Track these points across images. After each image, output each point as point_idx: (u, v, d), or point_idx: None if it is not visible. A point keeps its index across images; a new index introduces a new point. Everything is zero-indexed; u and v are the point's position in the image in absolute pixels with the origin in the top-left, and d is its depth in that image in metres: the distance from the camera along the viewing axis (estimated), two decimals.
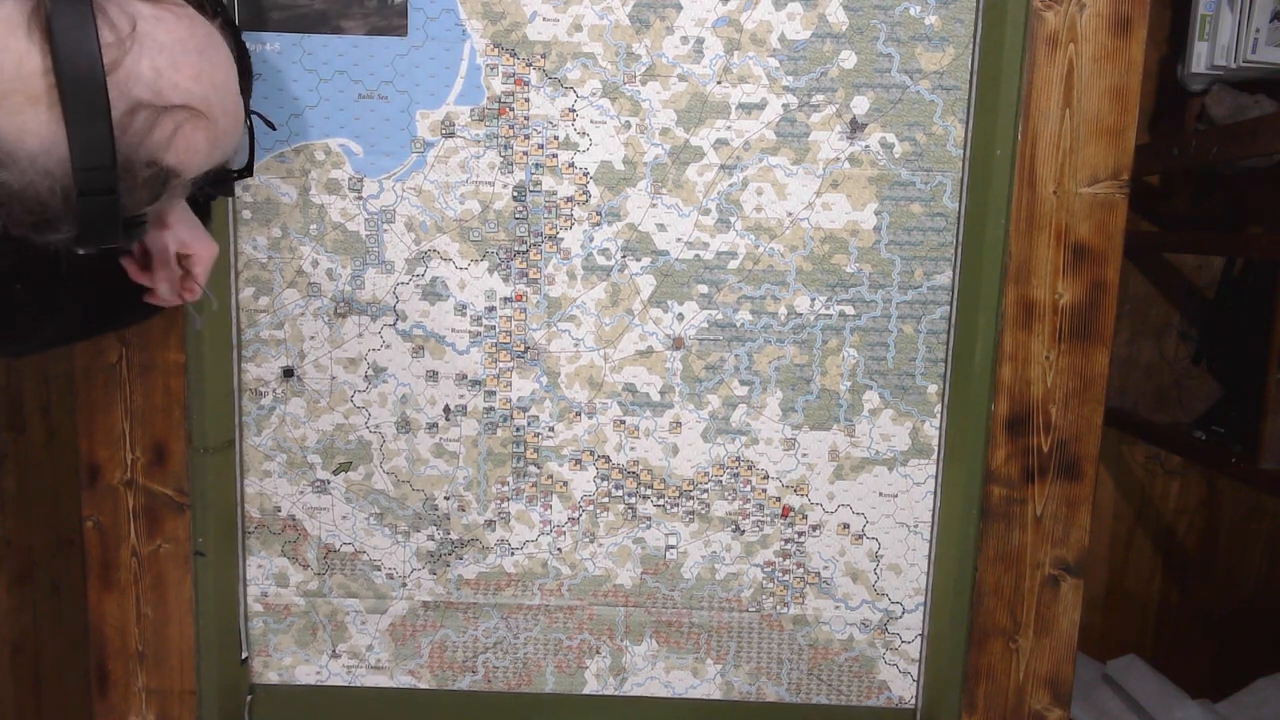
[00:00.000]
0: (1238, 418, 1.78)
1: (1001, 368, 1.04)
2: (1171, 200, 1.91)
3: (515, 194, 1.05)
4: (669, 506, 1.11)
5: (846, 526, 1.11)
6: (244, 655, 1.14)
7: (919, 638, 1.14)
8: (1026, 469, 1.06)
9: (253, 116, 0.79)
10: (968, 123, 1.03)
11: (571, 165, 1.04)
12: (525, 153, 1.04)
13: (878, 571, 1.12)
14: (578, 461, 1.11)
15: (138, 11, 0.60)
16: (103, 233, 0.62)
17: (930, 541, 1.11)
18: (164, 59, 0.60)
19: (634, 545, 1.12)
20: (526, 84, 1.03)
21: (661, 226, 1.05)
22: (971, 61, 1.02)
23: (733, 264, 1.06)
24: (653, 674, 1.15)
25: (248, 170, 0.76)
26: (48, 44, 0.56)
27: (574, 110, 1.03)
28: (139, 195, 0.62)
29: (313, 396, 1.09)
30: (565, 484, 1.11)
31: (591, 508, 1.12)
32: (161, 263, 0.84)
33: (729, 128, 1.03)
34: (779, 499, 1.11)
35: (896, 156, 1.04)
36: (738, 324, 1.07)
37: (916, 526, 1.11)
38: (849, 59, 1.02)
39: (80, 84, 0.56)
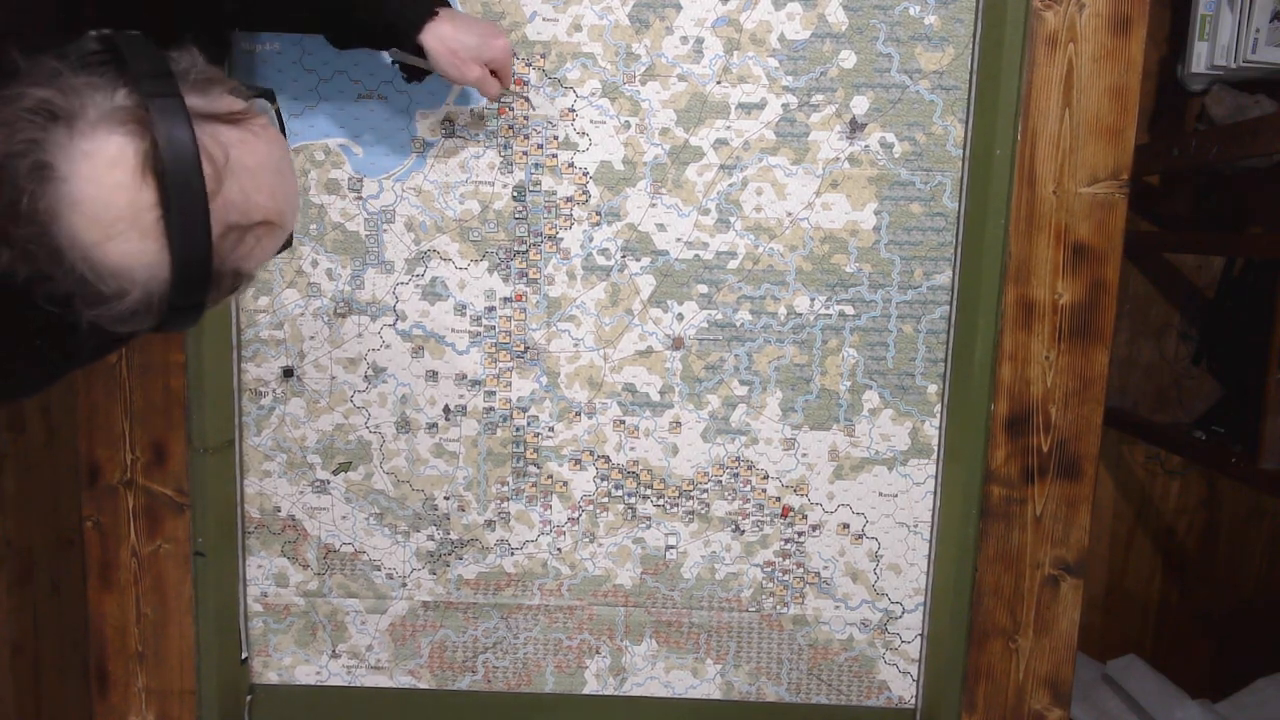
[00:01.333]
0: (1238, 418, 1.78)
1: (1001, 367, 1.04)
2: (1171, 200, 1.91)
3: (515, 194, 1.05)
4: (669, 506, 1.11)
5: (846, 526, 1.11)
6: (244, 655, 1.14)
7: (919, 638, 1.14)
8: (1026, 469, 1.06)
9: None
10: (967, 122, 1.03)
11: (571, 165, 1.04)
12: (525, 153, 1.04)
13: (877, 571, 1.12)
14: (577, 461, 1.11)
15: (228, 140, 0.63)
16: (180, 328, 0.67)
17: (930, 541, 1.11)
18: (250, 182, 0.64)
19: (634, 545, 1.12)
20: (526, 84, 1.03)
21: (661, 226, 1.05)
22: (971, 61, 1.02)
23: (732, 264, 1.06)
24: (652, 674, 1.15)
25: (288, 243, 0.79)
26: (159, 183, 0.59)
27: (574, 110, 1.03)
28: (220, 297, 0.67)
29: (312, 396, 1.09)
30: (565, 484, 1.11)
31: (591, 508, 1.12)
32: (474, 75, 0.91)
33: (728, 128, 1.03)
34: (779, 499, 1.11)
35: (896, 156, 1.04)
36: (737, 324, 1.07)
37: (916, 526, 1.11)
38: (849, 59, 1.02)
39: (187, 221, 0.60)
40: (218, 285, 0.65)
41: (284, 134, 0.78)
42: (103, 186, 0.58)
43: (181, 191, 0.59)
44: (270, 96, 0.80)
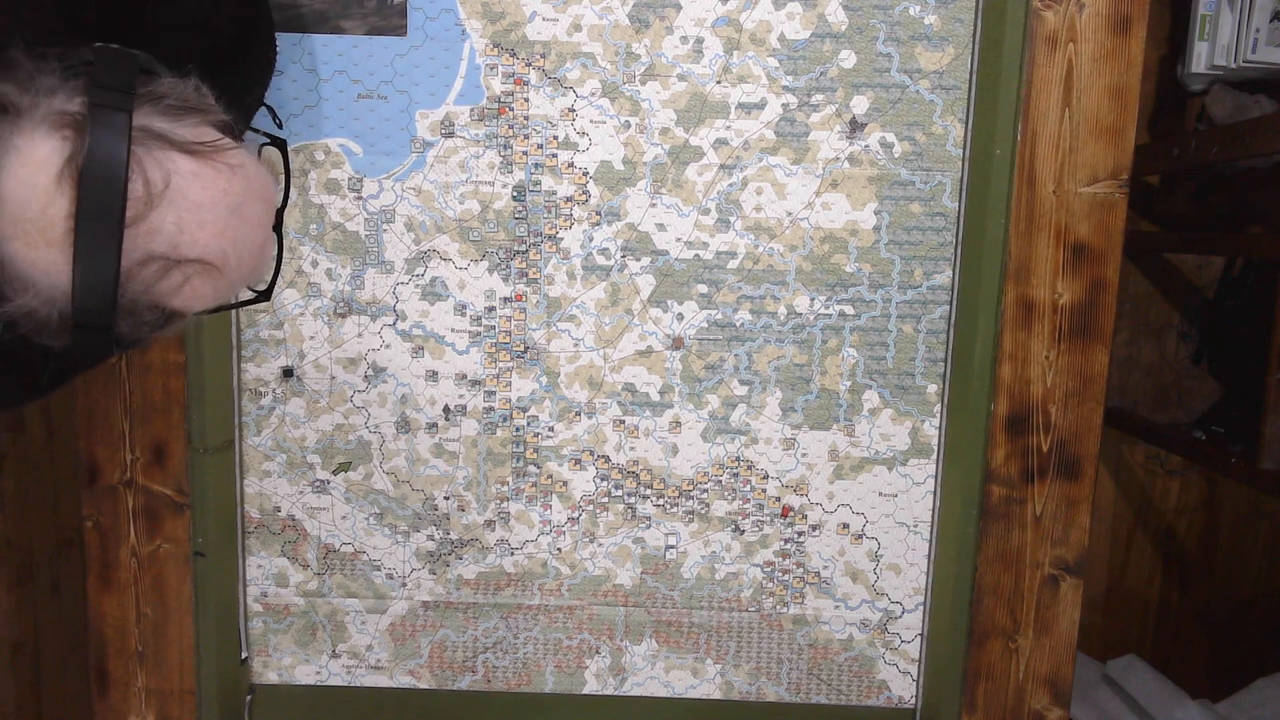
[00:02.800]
0: (1238, 418, 1.78)
1: (1001, 367, 1.04)
2: (1171, 200, 1.91)
3: (515, 194, 1.05)
4: (669, 506, 1.11)
5: (846, 526, 1.11)
6: (244, 655, 1.14)
7: (919, 637, 1.14)
8: (1026, 469, 1.06)
9: (269, 142, 0.79)
10: (967, 122, 1.03)
11: (571, 165, 1.04)
12: (525, 152, 1.04)
13: (877, 571, 1.12)
14: (577, 461, 1.11)
15: (176, 168, 0.60)
16: (95, 355, 0.65)
17: (930, 541, 1.11)
18: (190, 216, 0.61)
19: (634, 545, 1.12)
20: (526, 84, 1.03)
21: (661, 226, 1.05)
22: (971, 61, 1.02)
23: (732, 264, 1.06)
24: (652, 674, 1.15)
25: (265, 295, 0.77)
26: (76, 193, 0.57)
27: (573, 110, 1.03)
28: (141, 330, 0.64)
29: (312, 396, 1.09)
30: (565, 484, 1.11)
31: (591, 507, 1.12)
32: None
33: (728, 127, 1.03)
34: (779, 499, 1.11)
35: (896, 156, 1.04)
36: (737, 324, 1.07)
37: (916, 526, 1.11)
38: (848, 59, 1.02)
39: (95, 238, 0.58)
40: (132, 315, 0.62)
41: (286, 186, 0.74)
42: (23, 186, 0.57)
43: (96, 206, 0.57)
44: (281, 146, 0.77)
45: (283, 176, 0.75)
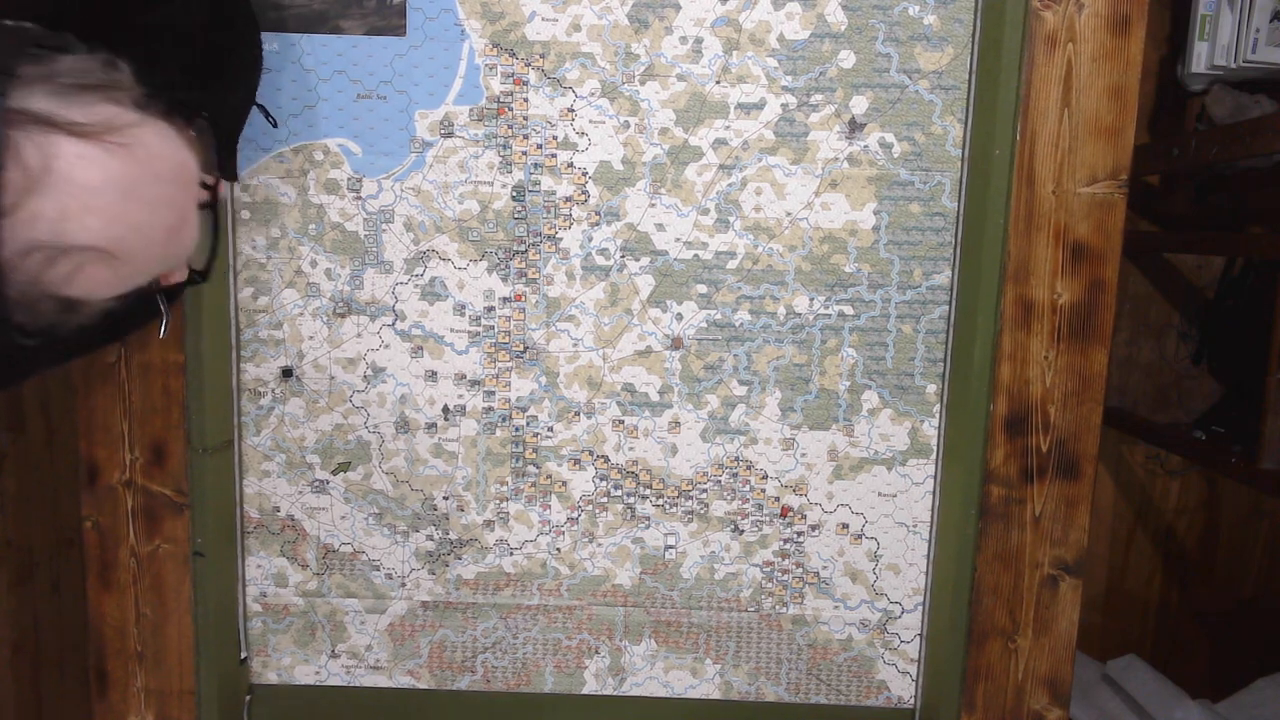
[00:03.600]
0: (1238, 418, 1.78)
1: (1000, 367, 1.04)
2: (1171, 200, 1.91)
3: (514, 194, 1.05)
4: (668, 506, 1.11)
5: (845, 526, 1.11)
6: (243, 655, 1.14)
7: (918, 637, 1.14)
8: (1025, 469, 1.06)
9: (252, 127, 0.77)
10: (966, 122, 1.03)
11: (570, 165, 1.04)
12: (524, 153, 1.04)
13: (877, 571, 1.12)
14: (576, 461, 1.11)
15: (59, 151, 0.57)
16: (8, 346, 0.61)
17: (929, 541, 1.11)
18: (75, 201, 0.58)
19: (633, 545, 1.12)
20: (525, 84, 1.03)
21: (660, 226, 1.05)
22: (970, 61, 1.02)
23: (731, 264, 1.06)
24: (652, 674, 1.15)
25: (203, 275, 0.74)
26: None
27: (573, 110, 1.03)
28: (46, 317, 0.62)
29: (311, 396, 1.09)
30: (564, 484, 1.11)
31: (590, 508, 1.12)
32: None
33: (728, 127, 1.03)
34: (778, 499, 1.11)
35: (895, 156, 1.04)
36: (736, 324, 1.07)
37: (915, 526, 1.11)
38: (848, 59, 1.02)
39: None
40: (27, 306, 0.59)
41: (221, 162, 0.70)
42: None
43: None
44: (204, 117, 0.71)
45: (212, 153, 0.71)
